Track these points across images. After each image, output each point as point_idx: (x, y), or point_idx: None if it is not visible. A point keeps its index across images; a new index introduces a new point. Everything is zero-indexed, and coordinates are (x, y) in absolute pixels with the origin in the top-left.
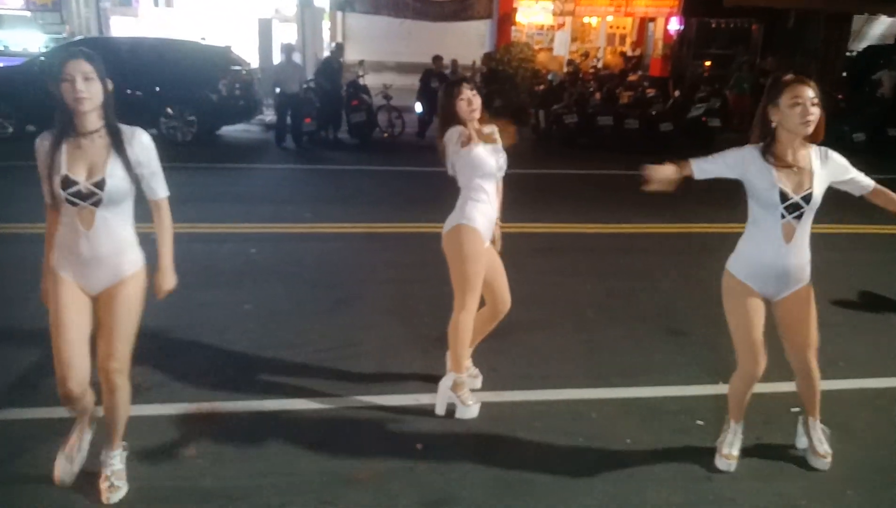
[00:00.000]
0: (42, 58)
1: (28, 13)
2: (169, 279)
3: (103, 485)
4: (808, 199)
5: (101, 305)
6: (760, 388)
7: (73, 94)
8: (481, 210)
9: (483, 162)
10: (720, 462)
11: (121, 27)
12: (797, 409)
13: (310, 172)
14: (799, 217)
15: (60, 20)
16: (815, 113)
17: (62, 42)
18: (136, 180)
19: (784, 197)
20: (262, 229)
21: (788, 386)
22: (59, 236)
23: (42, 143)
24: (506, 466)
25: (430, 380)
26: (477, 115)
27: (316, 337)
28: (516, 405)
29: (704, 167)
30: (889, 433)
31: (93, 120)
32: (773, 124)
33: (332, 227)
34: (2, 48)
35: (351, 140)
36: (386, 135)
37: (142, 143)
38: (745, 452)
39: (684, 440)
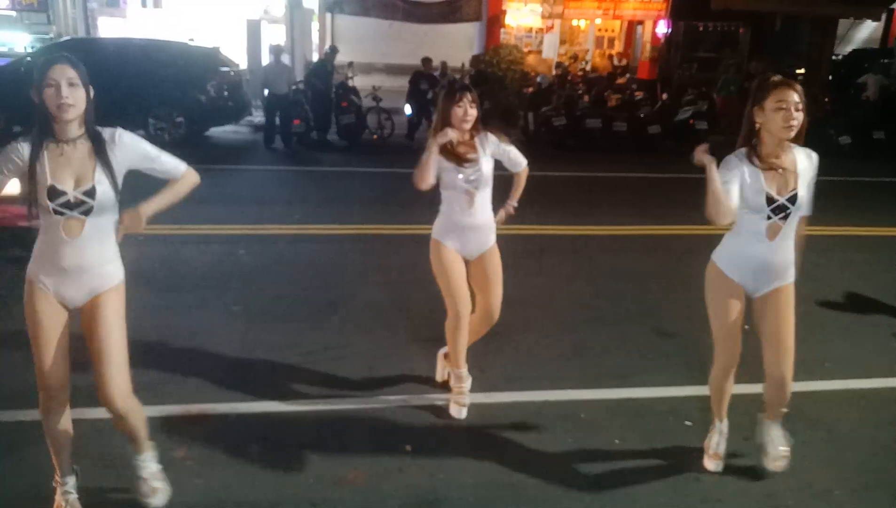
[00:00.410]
0: (28, 58)
1: (13, 13)
2: (137, 221)
3: (143, 489)
4: (793, 200)
5: (86, 323)
6: (749, 389)
7: (58, 100)
8: (443, 221)
9: (441, 175)
10: (709, 463)
11: (108, 28)
12: (785, 410)
13: (299, 174)
14: (785, 218)
15: (47, 20)
16: (799, 118)
17: (48, 42)
18: (118, 188)
19: (770, 200)
20: (251, 230)
21: None
22: (38, 245)
23: (19, 147)
24: (495, 467)
25: (420, 382)
26: (468, 126)
27: (305, 339)
28: (505, 406)
29: (732, 190)
30: (875, 434)
31: (74, 128)
32: (757, 126)
33: (322, 228)
34: None
35: (340, 142)
36: (375, 137)
37: (124, 143)
38: (734, 452)
39: (673, 441)
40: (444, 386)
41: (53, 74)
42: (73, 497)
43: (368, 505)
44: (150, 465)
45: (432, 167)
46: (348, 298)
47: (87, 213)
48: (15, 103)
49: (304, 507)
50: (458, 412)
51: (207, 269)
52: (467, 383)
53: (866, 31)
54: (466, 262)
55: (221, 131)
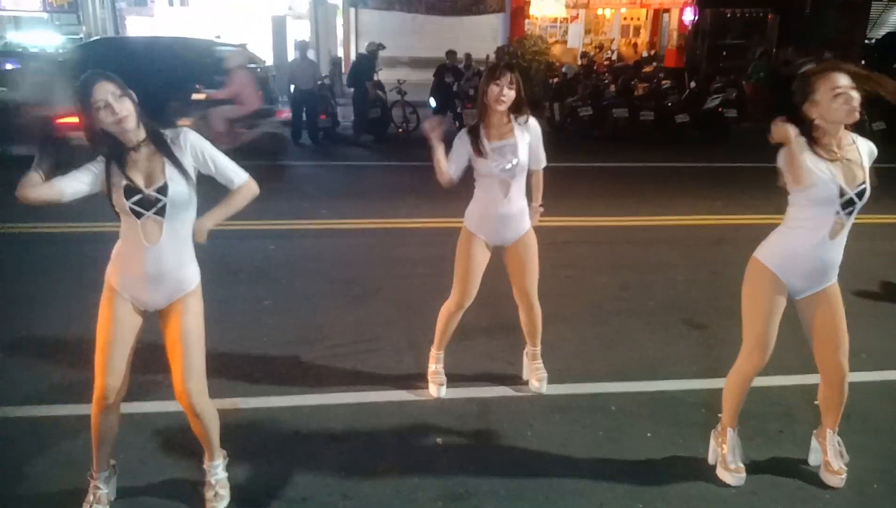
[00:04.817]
0: (60, 59)
1: (45, 14)
2: (199, 233)
3: (208, 494)
4: (861, 194)
5: (165, 323)
6: (783, 381)
7: (114, 117)
8: (477, 210)
9: (474, 161)
10: (731, 478)
11: (136, 27)
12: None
13: (326, 169)
14: (850, 213)
15: (77, 21)
16: (857, 98)
17: (79, 42)
18: (193, 185)
19: (841, 193)
20: (280, 225)
21: (812, 378)
22: (117, 250)
23: (97, 160)
24: (525, 459)
25: (448, 376)
26: (502, 107)
27: (335, 333)
28: (535, 399)
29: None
30: None
31: (135, 133)
32: (816, 121)
33: (349, 223)
34: (20, 49)
35: (366, 136)
36: (401, 130)
37: (190, 141)
38: (766, 445)
39: (705, 433)
40: (525, 384)
41: (98, 94)
42: (103, 492)
43: (399, 498)
44: (219, 472)
45: (443, 160)
46: (376, 291)
47: (161, 212)
48: None
49: (335, 499)
50: (438, 391)
51: (238, 264)
52: (441, 364)
53: None
54: (501, 249)
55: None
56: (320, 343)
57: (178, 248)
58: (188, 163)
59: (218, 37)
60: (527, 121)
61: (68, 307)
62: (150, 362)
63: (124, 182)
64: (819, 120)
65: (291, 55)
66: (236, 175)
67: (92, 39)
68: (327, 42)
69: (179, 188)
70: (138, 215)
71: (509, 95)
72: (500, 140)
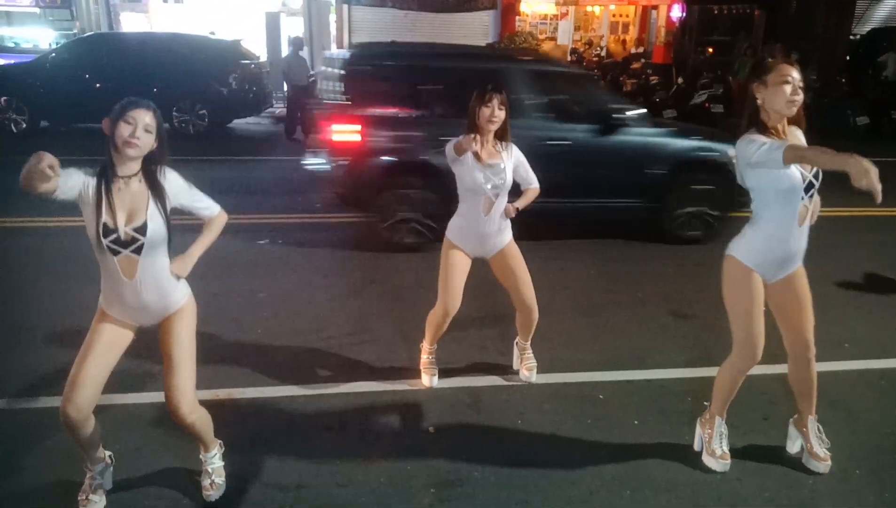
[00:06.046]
0: (53, 54)
1: (37, 10)
2: (184, 266)
3: (205, 482)
4: (818, 176)
5: (161, 335)
6: (765, 369)
7: (128, 137)
8: (459, 225)
9: (465, 176)
10: (717, 464)
11: (131, 23)
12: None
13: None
14: (811, 197)
15: (70, 16)
16: (800, 96)
17: (72, 38)
18: (169, 223)
19: (802, 177)
20: (275, 219)
21: None
22: (102, 280)
23: (89, 178)
24: (516, 447)
25: (441, 366)
26: (494, 127)
27: (329, 324)
28: (525, 388)
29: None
30: (894, 414)
31: (133, 165)
32: (759, 102)
33: (342, 216)
34: (12, 45)
35: None
36: None
37: (169, 179)
38: (751, 432)
39: (691, 421)
40: (516, 374)
41: (135, 114)
42: (99, 483)
43: (393, 485)
44: (215, 461)
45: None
46: (368, 283)
47: (138, 251)
48: (41, 98)
49: (330, 488)
50: (430, 380)
51: (232, 257)
52: (434, 355)
53: (885, 10)
54: (486, 260)
55: (243, 123)
56: (315, 335)
57: (156, 279)
58: (170, 198)
59: (212, 33)
60: (508, 147)
61: (65, 299)
62: (145, 353)
63: (103, 219)
64: (762, 102)
65: (285, 51)
66: (213, 205)
67: (85, 35)
68: (321, 38)
69: (157, 227)
70: (115, 253)
71: (500, 115)
72: (490, 159)
